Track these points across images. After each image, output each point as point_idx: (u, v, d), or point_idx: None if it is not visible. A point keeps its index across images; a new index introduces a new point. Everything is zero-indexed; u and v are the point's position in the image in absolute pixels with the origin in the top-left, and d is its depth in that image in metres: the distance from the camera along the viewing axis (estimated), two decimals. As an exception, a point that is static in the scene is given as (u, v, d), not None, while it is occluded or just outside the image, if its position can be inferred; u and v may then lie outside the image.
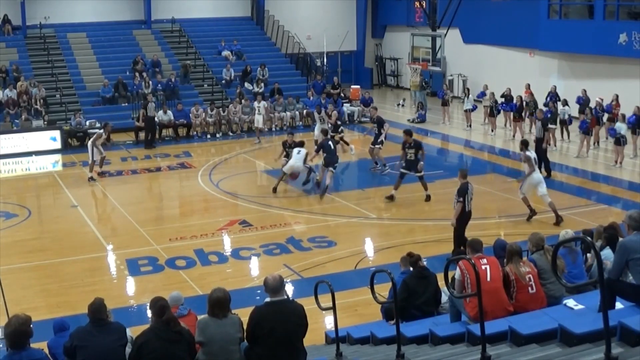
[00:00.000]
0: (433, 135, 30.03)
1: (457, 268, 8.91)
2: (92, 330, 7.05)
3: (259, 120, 30.08)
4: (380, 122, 23.97)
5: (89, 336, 6.96)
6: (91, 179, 23.64)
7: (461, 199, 15.22)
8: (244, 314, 7.39)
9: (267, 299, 7.25)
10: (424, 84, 37.16)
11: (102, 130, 24.69)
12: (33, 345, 6.69)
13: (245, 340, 7.23)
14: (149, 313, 7.69)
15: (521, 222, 18.27)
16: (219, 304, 7.17)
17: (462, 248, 15.41)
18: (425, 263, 15.23)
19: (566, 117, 26.86)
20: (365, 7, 44.46)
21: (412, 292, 10.02)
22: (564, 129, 27.29)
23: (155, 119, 29.40)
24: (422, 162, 20.12)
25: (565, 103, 27.10)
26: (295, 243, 17.23)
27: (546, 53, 33.18)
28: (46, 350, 7.47)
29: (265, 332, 7.09)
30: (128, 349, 7.16)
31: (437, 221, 17.90)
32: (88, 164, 24.15)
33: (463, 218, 15.38)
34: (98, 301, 7.31)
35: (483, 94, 30.95)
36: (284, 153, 22.36)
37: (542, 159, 21.89)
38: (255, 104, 30.59)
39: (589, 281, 9.55)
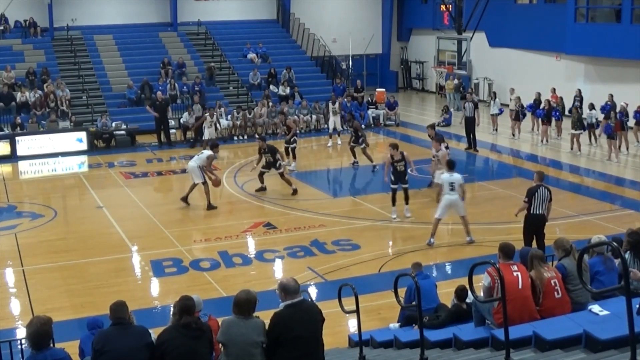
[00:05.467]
0: (458, 139, 29.82)
1: (486, 274, 8.75)
2: (113, 333, 7.06)
3: (211, 133, 28.76)
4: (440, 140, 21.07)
5: (110, 339, 6.97)
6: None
7: None
8: (266, 317, 7.39)
9: (286, 302, 7.24)
10: (462, 88, 37.00)
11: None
12: (58, 345, 6.76)
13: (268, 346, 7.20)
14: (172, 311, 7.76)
15: (547, 227, 18.12)
16: (239, 305, 7.16)
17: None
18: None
19: (594, 121, 26.64)
20: (390, 10, 44.40)
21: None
22: (592, 134, 27.07)
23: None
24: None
25: (592, 107, 26.89)
26: (319, 246, 17.22)
27: (572, 57, 32.93)
28: (68, 350, 7.53)
29: (294, 334, 7.10)
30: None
31: (460, 225, 17.80)
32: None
33: None
34: (119, 302, 7.36)
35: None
36: (260, 159, 22.27)
37: (471, 137, 27.40)
38: (207, 115, 29.62)
39: (614, 287, 9.45)
